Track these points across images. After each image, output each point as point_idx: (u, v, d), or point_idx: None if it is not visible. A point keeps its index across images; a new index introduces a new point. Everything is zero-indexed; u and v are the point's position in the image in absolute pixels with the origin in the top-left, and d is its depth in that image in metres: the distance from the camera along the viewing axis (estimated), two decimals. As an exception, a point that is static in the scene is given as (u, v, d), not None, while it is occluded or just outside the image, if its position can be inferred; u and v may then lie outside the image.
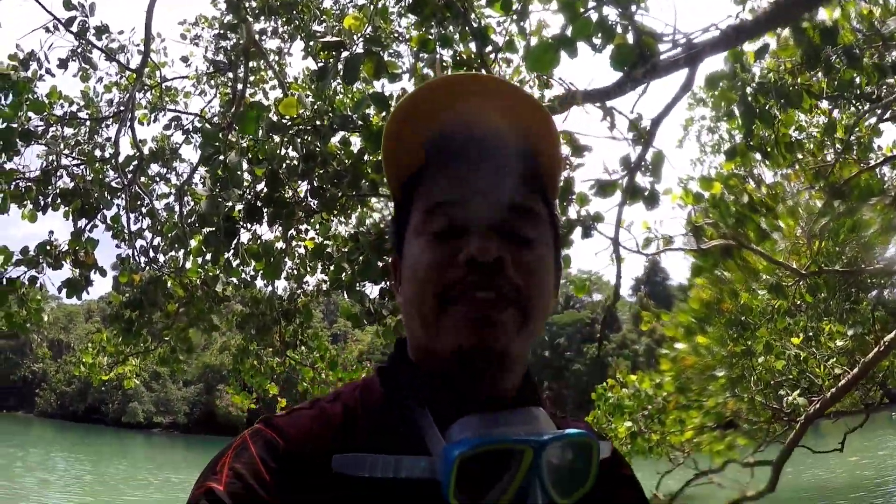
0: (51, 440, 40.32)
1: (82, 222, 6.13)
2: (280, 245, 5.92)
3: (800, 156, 5.12)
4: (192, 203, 7.02)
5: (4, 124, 5.26)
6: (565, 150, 4.13)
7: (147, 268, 6.59)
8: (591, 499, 0.74)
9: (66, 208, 6.07)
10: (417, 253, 0.78)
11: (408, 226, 0.81)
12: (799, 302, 8.40)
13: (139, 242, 6.68)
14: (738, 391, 9.42)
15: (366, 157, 4.44)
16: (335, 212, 5.28)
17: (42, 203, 6.12)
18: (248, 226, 4.39)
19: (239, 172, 3.68)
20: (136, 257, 6.53)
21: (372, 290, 5.71)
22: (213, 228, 4.03)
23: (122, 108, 6.50)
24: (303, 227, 6.19)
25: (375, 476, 0.70)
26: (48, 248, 5.77)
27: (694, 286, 7.80)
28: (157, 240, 6.78)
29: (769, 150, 4.23)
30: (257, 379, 9.22)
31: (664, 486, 13.41)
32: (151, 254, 6.69)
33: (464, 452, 0.66)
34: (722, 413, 10.19)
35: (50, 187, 6.04)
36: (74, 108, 6.85)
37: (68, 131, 6.84)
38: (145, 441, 56.52)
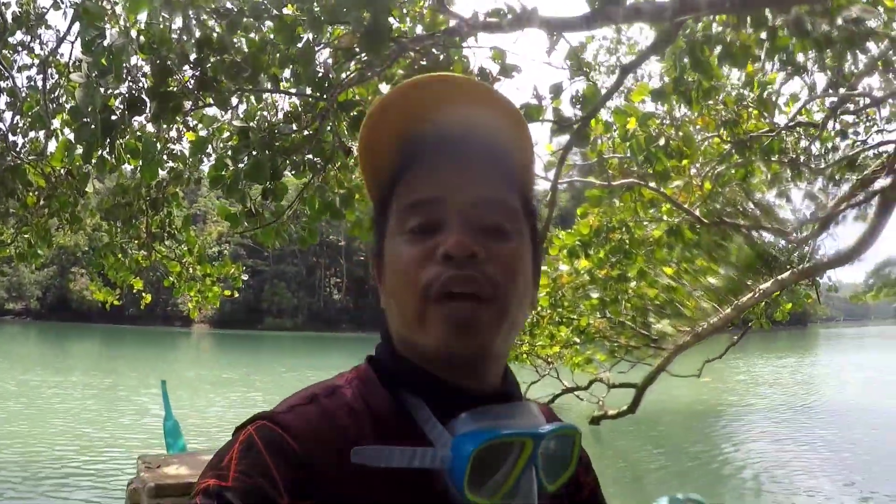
0: None
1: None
2: (152, 131, 5.30)
3: (710, 102, 5.16)
4: (56, 76, 6.19)
5: None
6: (493, 67, 3.87)
7: (4, 153, 5.76)
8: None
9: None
10: (397, 252, 0.80)
11: (387, 225, 0.83)
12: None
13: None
14: (608, 313, 9.88)
15: (268, 49, 3.98)
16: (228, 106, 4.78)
17: None
18: (129, 120, 3.84)
19: (124, 57, 3.14)
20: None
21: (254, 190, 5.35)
22: (88, 121, 3.48)
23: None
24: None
25: (391, 466, 0.71)
26: None
27: (587, 213, 7.93)
28: (17, 119, 5.90)
29: (693, 94, 4.19)
30: (121, 274, 8.69)
31: (529, 395, 14.18)
32: (11, 137, 5.83)
33: (479, 446, 0.69)
34: (590, 332, 10.74)
35: None
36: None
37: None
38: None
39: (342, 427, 0.75)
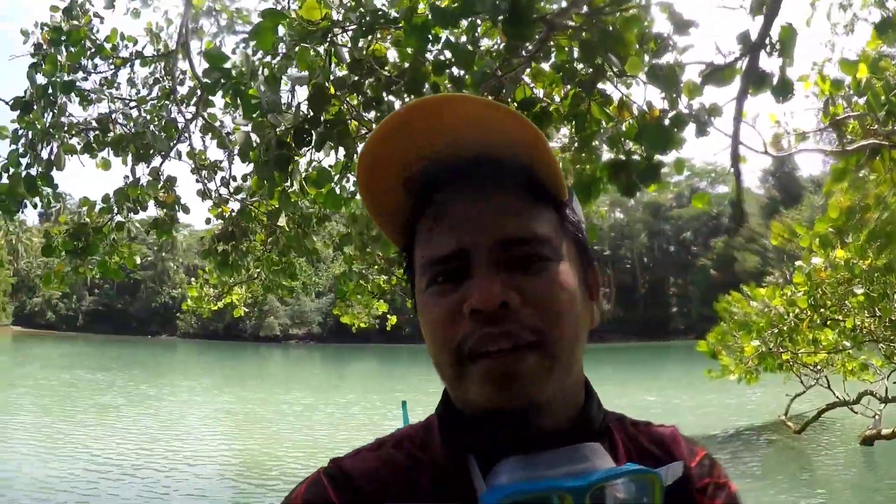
0: (193, 364, 42.61)
1: (141, 168, 6.10)
2: (330, 162, 5.51)
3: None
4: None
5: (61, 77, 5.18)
6: (666, 26, 3.37)
7: (231, 198, 6.47)
8: None
9: (123, 155, 6.04)
10: (426, 307, 0.76)
11: (414, 274, 0.80)
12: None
13: (220, 175, 6.54)
14: (877, 310, 8.33)
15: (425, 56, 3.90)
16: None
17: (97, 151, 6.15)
18: (299, 151, 4.02)
19: (280, 92, 3.25)
20: (217, 190, 6.41)
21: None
22: (265, 159, 3.68)
23: (182, 35, 6.21)
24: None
25: None
26: (127, 192, 5.79)
27: (832, 193, 6.73)
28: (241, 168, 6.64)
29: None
30: (364, 298, 9.21)
31: (793, 408, 12.49)
32: (233, 183, 6.53)
33: (499, 502, 0.65)
34: (859, 335, 9.13)
35: (110, 134, 6.00)
36: (139, 46, 6.62)
37: (122, 74, 6.70)
38: (283, 354, 59.67)
39: (400, 476, 0.77)
